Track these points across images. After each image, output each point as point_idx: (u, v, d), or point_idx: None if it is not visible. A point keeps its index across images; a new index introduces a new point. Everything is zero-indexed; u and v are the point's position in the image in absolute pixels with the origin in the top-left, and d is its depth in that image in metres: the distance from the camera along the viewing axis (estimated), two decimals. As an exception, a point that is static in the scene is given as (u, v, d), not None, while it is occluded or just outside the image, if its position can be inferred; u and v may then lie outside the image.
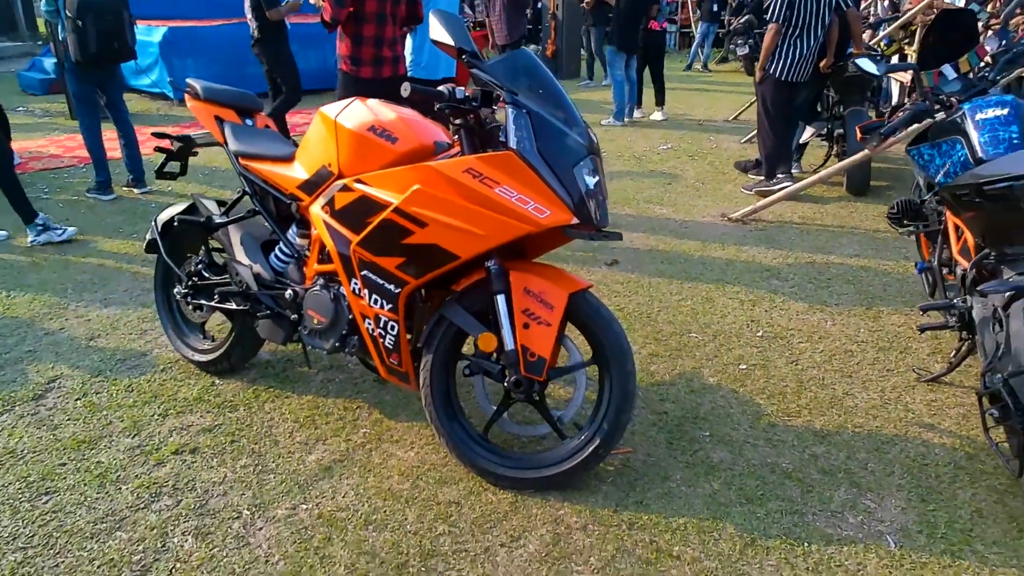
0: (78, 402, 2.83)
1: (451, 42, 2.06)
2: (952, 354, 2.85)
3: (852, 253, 4.39)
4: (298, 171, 2.53)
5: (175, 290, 2.98)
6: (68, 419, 2.71)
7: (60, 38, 5.25)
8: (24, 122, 7.06)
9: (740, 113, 8.73)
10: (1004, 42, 6.32)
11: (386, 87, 4.30)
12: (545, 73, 2.16)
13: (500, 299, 2.13)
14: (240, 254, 2.74)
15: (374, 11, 4.01)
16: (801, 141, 6.07)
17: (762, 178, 5.74)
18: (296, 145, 2.67)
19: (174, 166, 3.08)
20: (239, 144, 2.71)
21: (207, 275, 2.89)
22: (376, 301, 2.25)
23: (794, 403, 2.78)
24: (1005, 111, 2.57)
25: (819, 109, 6.03)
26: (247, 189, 2.74)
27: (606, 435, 2.17)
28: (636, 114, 8.86)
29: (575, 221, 2.02)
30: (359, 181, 2.27)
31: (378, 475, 2.38)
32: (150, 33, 9.39)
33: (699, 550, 2.06)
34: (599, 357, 2.18)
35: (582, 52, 12.84)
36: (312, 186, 2.46)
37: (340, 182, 2.32)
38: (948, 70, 2.94)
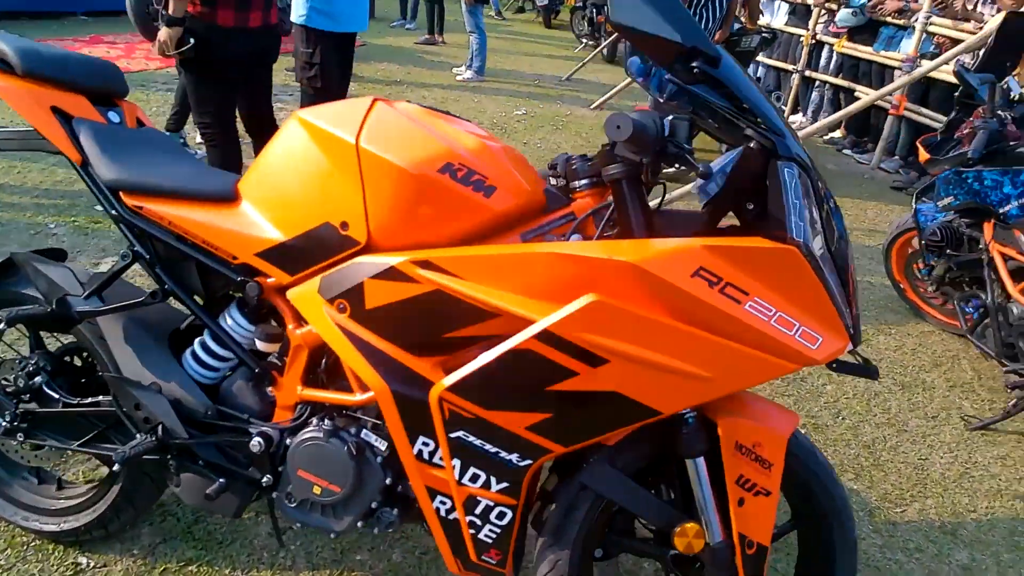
0: None
1: (674, 36, 1.11)
2: None
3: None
4: (258, 224, 1.42)
5: (-15, 422, 1.65)
6: None
7: None
8: None
9: (574, 73, 8.22)
10: None
11: (253, 43, 3.03)
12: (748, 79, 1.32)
13: (698, 465, 1.32)
14: (130, 363, 1.54)
15: None
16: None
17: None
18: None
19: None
20: (116, 167, 1.48)
21: (53, 395, 1.63)
22: (477, 478, 1.30)
23: None
24: None
25: None
26: (140, 250, 1.53)
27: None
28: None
29: (851, 347, 1.26)
30: (426, 264, 1.26)
31: None
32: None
33: None
34: (809, 518, 1.46)
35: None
36: (298, 257, 1.38)
37: (380, 260, 1.29)
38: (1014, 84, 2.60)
